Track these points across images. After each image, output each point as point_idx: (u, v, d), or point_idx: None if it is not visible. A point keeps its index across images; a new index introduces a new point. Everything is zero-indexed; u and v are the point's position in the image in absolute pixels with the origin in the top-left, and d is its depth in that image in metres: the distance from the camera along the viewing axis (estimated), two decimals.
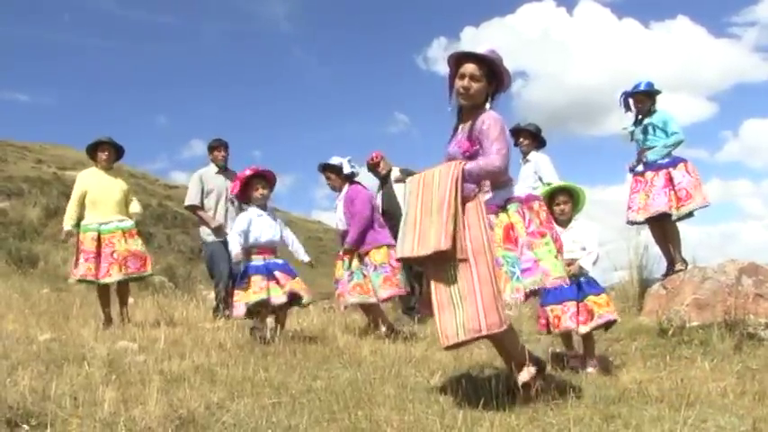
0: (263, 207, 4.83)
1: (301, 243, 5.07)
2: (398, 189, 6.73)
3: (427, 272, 2.96)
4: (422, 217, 2.88)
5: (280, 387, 3.10)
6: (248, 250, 4.68)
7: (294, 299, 4.66)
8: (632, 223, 5.84)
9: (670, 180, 5.57)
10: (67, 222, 5.54)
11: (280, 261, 4.76)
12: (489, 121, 2.96)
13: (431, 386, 3.23)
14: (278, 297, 4.55)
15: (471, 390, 3.05)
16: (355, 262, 5.22)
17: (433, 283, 2.85)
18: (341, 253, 5.40)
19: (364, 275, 5.18)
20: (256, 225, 4.72)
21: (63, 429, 2.34)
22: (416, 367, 3.71)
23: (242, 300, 4.55)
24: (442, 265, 2.81)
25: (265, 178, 4.84)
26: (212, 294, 7.28)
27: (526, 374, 2.91)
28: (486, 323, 2.71)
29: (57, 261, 10.67)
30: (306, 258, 4.99)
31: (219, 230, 6.45)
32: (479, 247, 2.79)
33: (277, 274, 4.62)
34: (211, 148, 6.74)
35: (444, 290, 2.80)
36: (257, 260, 4.68)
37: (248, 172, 4.77)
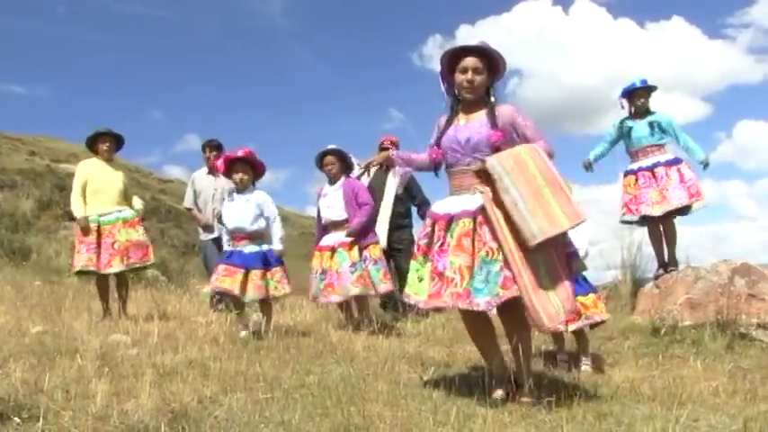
0: (242, 191, 4.74)
1: (294, 239, 5.06)
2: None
3: (519, 255, 2.77)
4: (536, 197, 2.78)
5: (273, 382, 3.09)
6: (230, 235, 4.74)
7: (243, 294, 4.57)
8: (646, 218, 5.73)
9: (682, 176, 5.61)
10: (80, 211, 5.36)
11: (246, 250, 4.62)
12: (516, 111, 3.02)
13: (424, 382, 3.24)
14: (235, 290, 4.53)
15: (464, 386, 3.06)
16: (355, 253, 5.18)
17: (523, 267, 2.74)
18: (319, 245, 5.37)
19: (364, 268, 5.18)
20: (225, 211, 4.74)
21: (55, 422, 2.33)
22: (409, 363, 3.71)
23: (212, 284, 4.69)
24: (539, 248, 2.76)
25: (249, 164, 4.75)
26: (206, 289, 7.42)
27: (500, 393, 2.91)
28: (572, 307, 2.80)
29: (49, 253, 10.60)
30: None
31: (208, 228, 6.54)
32: None
33: (222, 265, 4.59)
34: (203, 149, 6.77)
35: (536, 272, 2.76)
36: (228, 246, 4.74)
37: (240, 153, 4.72)
